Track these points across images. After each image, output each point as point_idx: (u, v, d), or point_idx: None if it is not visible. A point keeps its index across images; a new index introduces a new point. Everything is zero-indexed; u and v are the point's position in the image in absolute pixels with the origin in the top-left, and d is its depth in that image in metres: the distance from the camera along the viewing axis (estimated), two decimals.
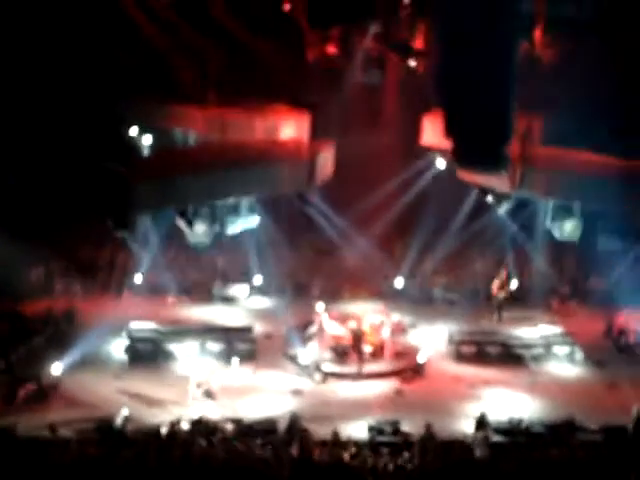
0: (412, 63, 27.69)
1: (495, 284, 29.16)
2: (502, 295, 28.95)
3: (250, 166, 23.14)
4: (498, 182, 23.24)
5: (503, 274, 29.16)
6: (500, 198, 24.63)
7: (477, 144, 17.45)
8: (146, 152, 29.32)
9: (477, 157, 18.53)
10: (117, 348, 26.44)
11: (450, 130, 19.59)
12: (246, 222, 25.34)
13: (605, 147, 24.00)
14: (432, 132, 26.69)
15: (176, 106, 27.32)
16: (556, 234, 23.36)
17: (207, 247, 25.65)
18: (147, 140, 28.96)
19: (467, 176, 25.17)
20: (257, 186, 23.67)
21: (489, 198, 24.91)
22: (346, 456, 19.24)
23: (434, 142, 27.17)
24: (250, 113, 26.17)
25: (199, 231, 23.31)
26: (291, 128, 25.34)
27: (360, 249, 31.34)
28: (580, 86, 26.11)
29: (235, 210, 24.80)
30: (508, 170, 22.11)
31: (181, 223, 23.10)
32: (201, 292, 31.18)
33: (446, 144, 25.30)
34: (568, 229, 23.13)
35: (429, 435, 20.69)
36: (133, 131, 29.02)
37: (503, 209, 25.40)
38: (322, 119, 25.87)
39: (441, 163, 28.85)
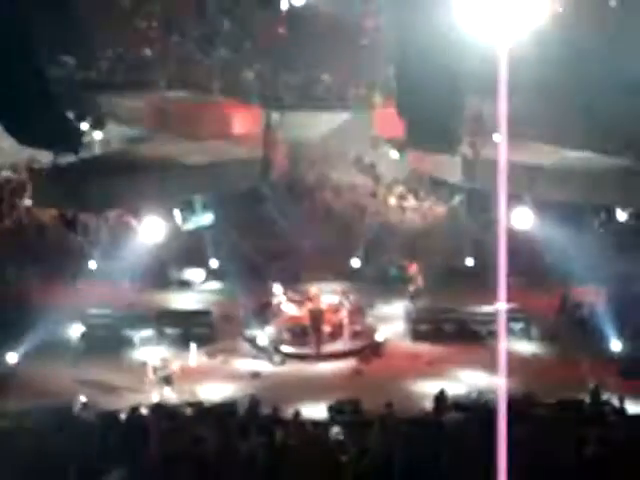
0: (364, 42, 27.66)
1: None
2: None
3: (203, 164, 23.01)
4: (450, 173, 23.42)
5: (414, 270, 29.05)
6: (452, 188, 24.79)
7: (429, 123, 17.51)
8: (97, 147, 29.18)
9: (430, 136, 18.61)
10: (72, 335, 26.16)
11: (403, 111, 19.67)
12: (201, 219, 25.29)
13: (559, 135, 24.30)
14: (384, 123, 26.75)
15: (128, 99, 27.13)
16: (508, 223, 23.64)
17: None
18: (98, 135, 28.81)
19: (420, 166, 25.30)
20: (211, 184, 23.55)
21: (441, 189, 25.10)
22: (308, 437, 19.22)
23: (387, 132, 27.26)
24: (202, 107, 26.07)
25: (152, 230, 23.15)
26: (243, 121, 25.26)
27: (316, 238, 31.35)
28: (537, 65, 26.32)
29: (190, 208, 24.70)
30: (459, 151, 22.24)
31: (134, 222, 22.92)
32: (156, 277, 30.94)
33: (399, 133, 25.60)
34: (520, 219, 23.35)
35: (389, 413, 20.76)
36: (84, 126, 28.82)
37: (456, 199, 25.61)
38: None
39: (394, 153, 28.94)
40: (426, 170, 25.17)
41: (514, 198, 23.89)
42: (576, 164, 23.18)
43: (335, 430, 19.56)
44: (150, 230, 22.78)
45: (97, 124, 28.74)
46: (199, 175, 22.86)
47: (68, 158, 25.46)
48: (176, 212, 24.40)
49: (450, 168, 23.34)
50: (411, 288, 28.78)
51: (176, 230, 25.71)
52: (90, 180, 21.36)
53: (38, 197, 23.35)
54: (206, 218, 25.29)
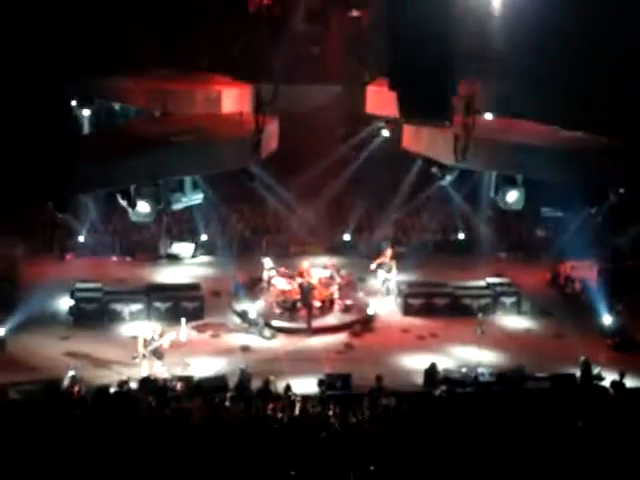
0: (355, 13, 27.38)
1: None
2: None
3: (193, 144, 22.82)
4: (442, 153, 23.26)
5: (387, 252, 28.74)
6: (444, 169, 24.65)
7: (422, 92, 17.28)
8: (86, 125, 28.92)
9: (422, 106, 18.37)
10: (62, 309, 26.02)
11: (395, 81, 19.41)
12: (191, 199, 25.12)
13: (553, 115, 24.09)
14: (377, 100, 26.55)
15: (115, 78, 26.83)
16: (500, 204, 23.56)
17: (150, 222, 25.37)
18: (86, 113, 28.57)
19: (412, 146, 25.11)
20: (200, 164, 23.35)
21: (434, 169, 24.93)
22: (299, 410, 19.17)
23: (379, 110, 27.06)
24: (191, 84, 25.80)
25: (142, 210, 22.95)
26: (233, 99, 25.01)
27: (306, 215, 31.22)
28: (530, 40, 26.06)
29: (179, 187, 24.51)
30: (452, 121, 22.05)
31: (123, 202, 22.67)
32: (146, 251, 30.80)
33: (391, 111, 25.42)
34: (512, 199, 23.31)
35: (379, 387, 20.71)
36: (72, 103, 28.57)
37: (447, 180, 25.49)
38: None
39: (386, 132, 28.80)
40: (419, 151, 25.01)
41: (506, 178, 23.82)
42: (569, 144, 23.05)
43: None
44: (139, 211, 22.62)
45: (85, 101, 28.57)
46: (189, 155, 22.63)
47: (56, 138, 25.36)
48: (166, 192, 24.23)
49: (443, 149, 23.18)
50: (386, 275, 28.35)
51: (166, 209, 25.61)
52: (79, 161, 21.15)
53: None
54: (196, 197, 25.11)
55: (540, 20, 26.15)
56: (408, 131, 25.29)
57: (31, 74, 26.89)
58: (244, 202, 32.47)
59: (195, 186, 24.78)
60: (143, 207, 22.81)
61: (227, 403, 19.96)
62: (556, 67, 26.77)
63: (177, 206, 25.05)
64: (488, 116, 26.32)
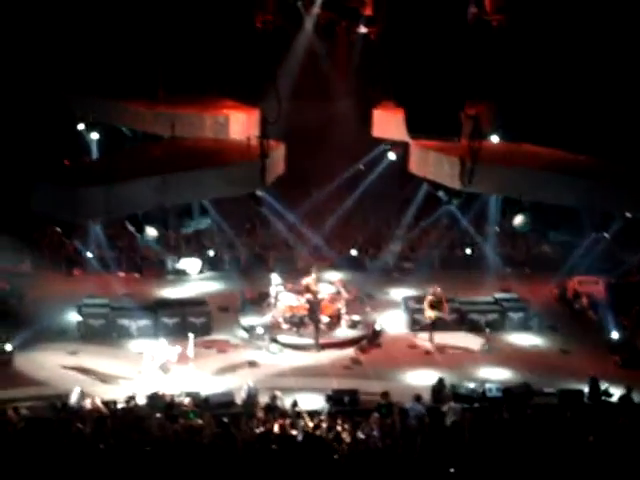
0: (363, 30, 27.42)
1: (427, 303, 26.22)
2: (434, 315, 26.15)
3: (201, 169, 22.96)
4: (448, 177, 23.36)
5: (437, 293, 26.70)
6: (451, 193, 24.74)
7: (429, 108, 17.38)
8: (94, 149, 29.10)
9: (430, 121, 18.46)
10: (69, 324, 26.03)
11: (402, 97, 19.52)
12: (198, 223, 25.24)
13: (556, 137, 24.27)
14: (383, 124, 26.68)
15: (124, 102, 26.98)
16: (507, 227, 23.63)
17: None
18: (95, 136, 28.76)
19: (418, 170, 25.22)
20: (209, 189, 23.49)
21: (440, 193, 25.01)
22: (306, 427, 19.13)
23: (385, 134, 27.19)
24: (199, 108, 25.94)
25: (150, 235, 23.07)
26: (241, 124, 25.16)
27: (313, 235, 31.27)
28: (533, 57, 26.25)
29: (187, 212, 24.64)
30: (460, 136, 22.12)
31: (131, 227, 22.79)
32: (153, 267, 30.83)
33: (397, 135, 25.58)
34: (518, 222, 23.37)
35: (387, 403, 20.66)
36: (80, 127, 28.74)
37: (454, 204, 25.55)
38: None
39: (392, 155, 28.89)
40: (425, 174, 25.15)
41: (513, 202, 23.91)
42: (575, 169, 23.16)
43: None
44: (148, 235, 22.77)
45: (93, 125, 28.79)
46: (196, 180, 22.80)
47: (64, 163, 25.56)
48: (173, 217, 24.48)
49: (449, 173, 23.30)
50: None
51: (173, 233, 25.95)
52: (86, 188, 21.30)
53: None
54: (204, 221, 25.25)
55: (546, 42, 26.39)
56: (414, 155, 25.43)
57: (41, 96, 27.15)
58: (251, 224, 32.57)
59: (203, 210, 24.97)
60: (151, 232, 22.97)
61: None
62: (563, 91, 27.02)
63: (185, 230, 25.30)
64: (494, 139, 26.48)
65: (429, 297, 25.87)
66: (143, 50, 27.17)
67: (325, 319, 25.92)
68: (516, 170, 23.35)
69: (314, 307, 25.70)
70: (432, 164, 24.61)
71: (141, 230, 22.75)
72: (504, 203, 24.27)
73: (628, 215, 23.22)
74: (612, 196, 22.48)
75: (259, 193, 24.96)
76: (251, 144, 23.29)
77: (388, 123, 26.27)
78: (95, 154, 29.41)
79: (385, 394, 20.86)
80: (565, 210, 25.33)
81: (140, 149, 26.71)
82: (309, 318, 25.73)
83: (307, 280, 26.97)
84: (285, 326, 26.10)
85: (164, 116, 25.54)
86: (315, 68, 30.50)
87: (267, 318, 26.39)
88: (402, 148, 27.14)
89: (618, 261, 29.09)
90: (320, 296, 26.38)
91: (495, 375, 23.56)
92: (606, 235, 24.16)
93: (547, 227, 30.10)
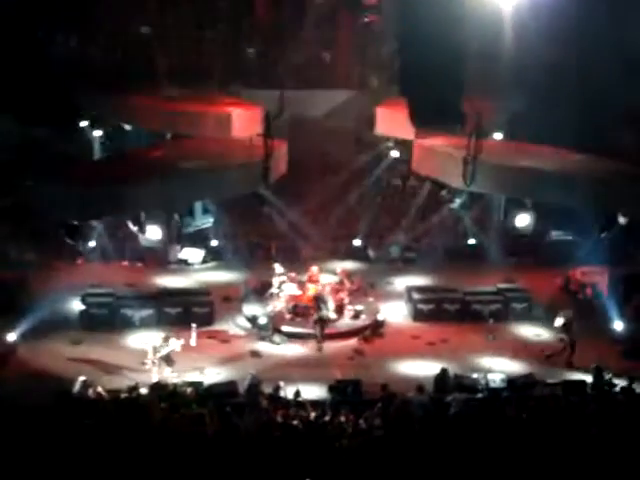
0: (365, 19, 27.36)
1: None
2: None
3: (204, 171, 22.93)
4: (451, 176, 23.32)
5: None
6: (454, 192, 24.72)
7: (433, 96, 17.33)
8: (97, 148, 29.04)
9: (433, 112, 18.42)
10: (72, 314, 26.03)
11: (405, 86, 19.47)
12: (201, 223, 25.24)
13: (562, 135, 24.21)
14: (386, 121, 26.59)
15: (126, 98, 26.90)
16: (509, 226, 23.62)
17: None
18: (97, 134, 28.71)
19: (421, 168, 25.17)
20: (212, 190, 23.48)
21: (443, 192, 24.98)
22: (309, 417, 19.13)
23: (388, 131, 27.10)
24: (201, 106, 25.85)
25: (152, 236, 23.08)
26: (243, 121, 25.09)
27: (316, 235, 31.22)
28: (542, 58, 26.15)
29: (190, 212, 24.63)
30: (464, 125, 22.06)
31: (134, 228, 22.79)
32: (156, 257, 30.78)
33: (400, 133, 25.49)
34: (521, 223, 23.34)
35: (390, 394, 20.64)
36: (83, 123, 28.68)
37: (457, 203, 25.52)
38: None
39: (395, 152, 28.79)
40: (428, 173, 25.09)
41: (515, 202, 23.86)
42: (579, 169, 23.09)
43: None
44: (150, 236, 22.80)
45: (95, 122, 28.74)
46: (199, 181, 22.78)
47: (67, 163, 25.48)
48: (176, 217, 24.52)
49: (452, 172, 23.26)
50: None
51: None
52: (90, 189, 21.28)
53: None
54: (206, 221, 25.25)
55: (553, 38, 26.25)
56: (417, 153, 25.36)
57: (43, 91, 27.02)
58: (254, 225, 32.36)
59: (205, 210, 24.96)
60: (154, 232, 22.97)
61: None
62: (568, 87, 26.90)
63: (188, 230, 25.33)
64: (498, 136, 26.40)
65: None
66: (146, 45, 27.10)
67: (332, 315, 25.77)
68: (519, 169, 23.29)
69: (317, 297, 25.65)
70: (435, 163, 24.59)
71: (144, 231, 22.77)
72: (507, 203, 24.20)
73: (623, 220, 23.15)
74: (616, 197, 22.44)
75: (262, 192, 24.98)
76: (254, 143, 23.30)
77: (391, 121, 26.18)
78: (98, 152, 29.35)
79: (384, 386, 20.85)
80: (568, 210, 25.29)
81: (142, 149, 26.64)
82: (312, 308, 25.62)
83: (310, 270, 26.97)
84: (288, 316, 26.09)
85: (166, 114, 25.46)
86: (317, 57, 30.44)
87: (270, 308, 26.37)
88: (405, 147, 27.03)
89: (624, 253, 28.98)
90: (325, 289, 26.35)
91: (499, 366, 23.54)
92: (609, 235, 24.08)
93: (550, 227, 30.07)
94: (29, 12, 25.79)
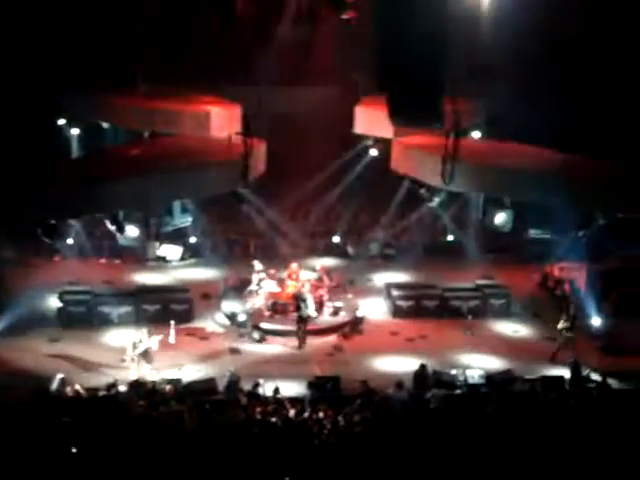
0: (345, 16, 27.24)
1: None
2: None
3: (182, 170, 22.83)
4: (430, 175, 23.33)
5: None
6: (432, 191, 24.75)
7: (412, 94, 17.25)
8: (75, 146, 28.85)
9: (412, 108, 18.32)
10: (50, 312, 25.89)
11: (384, 83, 19.38)
12: (179, 222, 25.17)
13: (541, 134, 24.29)
14: (365, 120, 26.55)
15: (103, 97, 26.73)
16: (487, 224, 23.69)
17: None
18: (75, 132, 28.55)
19: (400, 167, 25.17)
20: (190, 190, 23.40)
21: (421, 191, 25.02)
22: (288, 413, 19.13)
23: (367, 130, 27.06)
24: (179, 104, 25.73)
25: (131, 235, 22.99)
26: (221, 120, 25.00)
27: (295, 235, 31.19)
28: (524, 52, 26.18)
29: (168, 211, 24.55)
30: (443, 124, 22.05)
31: (112, 227, 22.69)
32: (133, 254, 30.66)
33: (380, 132, 25.48)
34: (500, 221, 23.41)
35: (369, 390, 20.68)
36: (61, 122, 28.50)
37: (435, 202, 25.57)
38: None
39: (374, 151, 28.76)
40: (407, 172, 25.12)
41: (494, 200, 23.93)
42: (557, 167, 23.16)
43: None
44: (128, 235, 22.72)
45: (73, 120, 28.58)
46: (178, 180, 22.69)
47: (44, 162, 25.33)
48: (154, 216, 24.41)
49: (431, 171, 23.27)
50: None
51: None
52: (67, 188, 21.15)
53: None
54: (185, 220, 25.19)
55: (536, 32, 26.26)
56: (396, 152, 25.35)
57: (20, 90, 26.84)
58: (233, 223, 32.20)
59: (184, 209, 24.88)
60: (132, 231, 22.88)
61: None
62: (548, 84, 26.94)
63: (166, 229, 25.26)
64: (476, 135, 26.47)
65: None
66: (123, 42, 26.89)
67: (313, 314, 25.71)
68: (497, 168, 23.35)
69: (296, 294, 25.63)
70: (414, 161, 24.60)
71: (122, 230, 22.68)
72: (485, 202, 24.27)
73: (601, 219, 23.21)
74: (595, 195, 22.51)
75: (240, 190, 24.94)
76: (233, 142, 23.22)
77: (370, 120, 26.16)
78: (75, 150, 29.16)
79: (364, 382, 20.87)
80: (546, 208, 25.36)
81: (120, 147, 26.47)
82: (291, 305, 25.61)
83: (289, 267, 26.97)
84: (267, 313, 26.05)
85: (144, 112, 25.30)
86: (296, 54, 30.30)
87: (249, 305, 26.31)
88: (384, 145, 26.98)
89: (602, 250, 29.07)
90: (302, 283, 26.36)
91: (477, 362, 23.60)
92: (587, 233, 24.16)
93: (528, 225, 30.15)
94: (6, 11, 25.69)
